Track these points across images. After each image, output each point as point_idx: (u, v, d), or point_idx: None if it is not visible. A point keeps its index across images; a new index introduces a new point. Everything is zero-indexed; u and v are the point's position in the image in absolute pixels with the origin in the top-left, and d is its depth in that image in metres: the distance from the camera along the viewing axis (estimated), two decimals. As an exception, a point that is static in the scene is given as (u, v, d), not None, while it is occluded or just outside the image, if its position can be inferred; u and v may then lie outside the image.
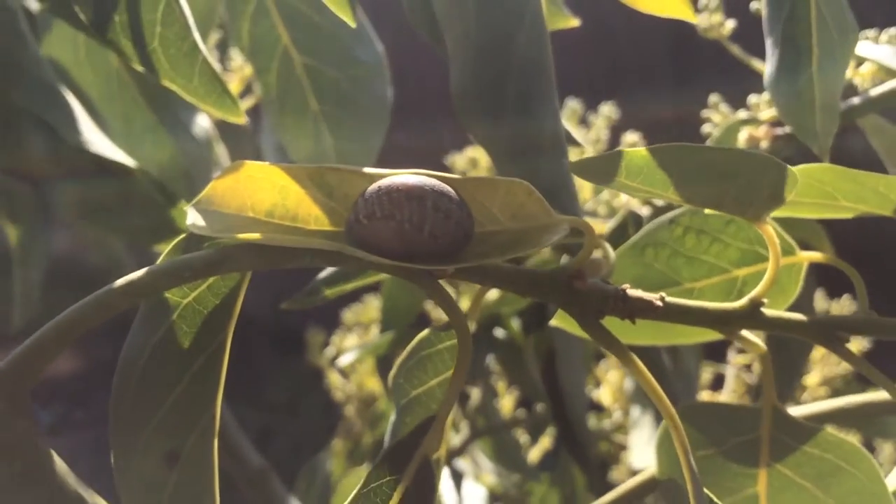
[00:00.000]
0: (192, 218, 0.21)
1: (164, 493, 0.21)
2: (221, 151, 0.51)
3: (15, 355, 0.19)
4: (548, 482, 0.68)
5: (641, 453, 0.56)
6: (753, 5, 0.42)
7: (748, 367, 0.66)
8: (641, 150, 0.19)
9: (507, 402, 0.70)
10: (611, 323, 0.24)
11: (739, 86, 0.45)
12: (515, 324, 0.60)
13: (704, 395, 0.66)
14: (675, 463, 0.31)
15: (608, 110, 0.58)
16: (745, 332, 0.25)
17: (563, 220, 0.21)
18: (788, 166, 0.20)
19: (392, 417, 0.28)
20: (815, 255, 0.28)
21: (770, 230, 0.23)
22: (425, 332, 0.28)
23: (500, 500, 0.69)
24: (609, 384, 0.68)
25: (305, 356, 0.72)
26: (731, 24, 0.46)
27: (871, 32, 0.42)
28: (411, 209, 0.19)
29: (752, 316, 0.24)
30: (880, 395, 0.32)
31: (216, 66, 0.29)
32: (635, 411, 0.61)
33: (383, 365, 0.62)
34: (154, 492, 0.21)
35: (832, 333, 0.24)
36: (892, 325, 0.24)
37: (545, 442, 0.70)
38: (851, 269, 0.26)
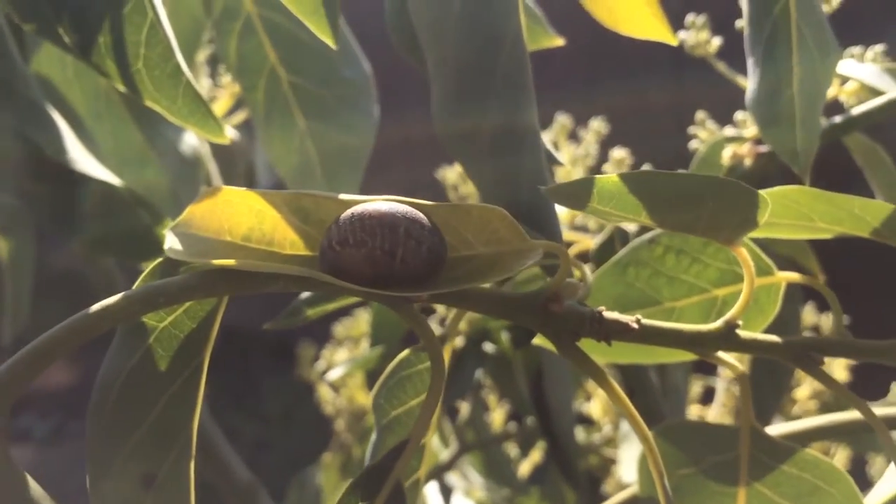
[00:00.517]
0: (170, 241, 0.21)
1: (139, 516, 0.21)
2: (213, 169, 0.52)
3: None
4: (538, 496, 0.68)
5: (631, 467, 0.56)
6: (739, 23, 0.42)
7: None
8: (613, 177, 0.19)
9: (497, 416, 0.70)
10: (590, 342, 0.24)
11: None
12: (505, 337, 0.60)
13: (694, 409, 0.66)
14: (653, 482, 0.31)
15: (598, 125, 0.58)
16: (721, 354, 0.25)
17: (538, 245, 0.21)
18: (759, 192, 0.20)
19: (373, 437, 0.28)
20: (793, 276, 0.28)
21: (744, 252, 0.23)
22: (405, 352, 0.28)
23: (489, 513, 0.69)
24: (599, 398, 0.68)
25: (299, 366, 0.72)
26: (717, 42, 0.46)
27: (855, 50, 0.42)
28: (383, 236, 0.19)
29: (727, 338, 0.24)
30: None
31: (201, 86, 0.29)
32: (625, 425, 0.61)
33: (373, 379, 0.62)
34: (130, 515, 0.21)
35: (806, 355, 0.24)
36: (864, 347, 0.24)
37: (535, 456, 0.71)
38: (827, 290, 0.26)
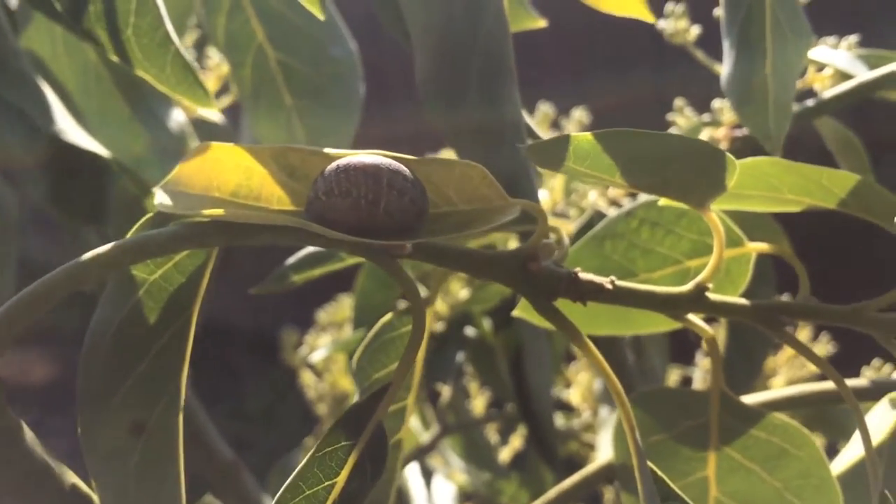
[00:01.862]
0: (160, 198, 0.22)
1: (130, 462, 0.22)
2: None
3: (-17, 326, 0.20)
4: (518, 481, 0.69)
5: (610, 451, 0.57)
6: (717, 11, 0.44)
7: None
8: (587, 135, 0.20)
9: (478, 403, 0.71)
10: (569, 312, 0.25)
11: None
12: (486, 323, 0.61)
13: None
14: (628, 448, 0.32)
15: (580, 115, 0.59)
16: (691, 316, 0.26)
17: (516, 203, 0.22)
18: (726, 153, 0.21)
19: (355, 399, 0.29)
20: (762, 246, 0.29)
21: (714, 217, 0.24)
22: (388, 316, 0.29)
23: (470, 498, 0.70)
24: (579, 385, 0.69)
25: (282, 362, 0.73)
26: (696, 30, 0.47)
27: (830, 39, 0.44)
28: (367, 186, 0.20)
29: (697, 300, 0.25)
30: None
31: (189, 56, 0.30)
32: (604, 411, 0.62)
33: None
34: (120, 461, 0.22)
35: (774, 317, 0.25)
36: (829, 311, 0.25)
37: (516, 442, 0.71)
38: (795, 260, 0.27)
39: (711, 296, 0.25)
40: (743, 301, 0.25)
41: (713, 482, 0.30)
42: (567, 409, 0.69)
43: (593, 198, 0.51)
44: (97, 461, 0.22)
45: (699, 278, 0.25)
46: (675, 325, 0.32)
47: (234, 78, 0.43)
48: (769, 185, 0.27)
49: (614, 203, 0.52)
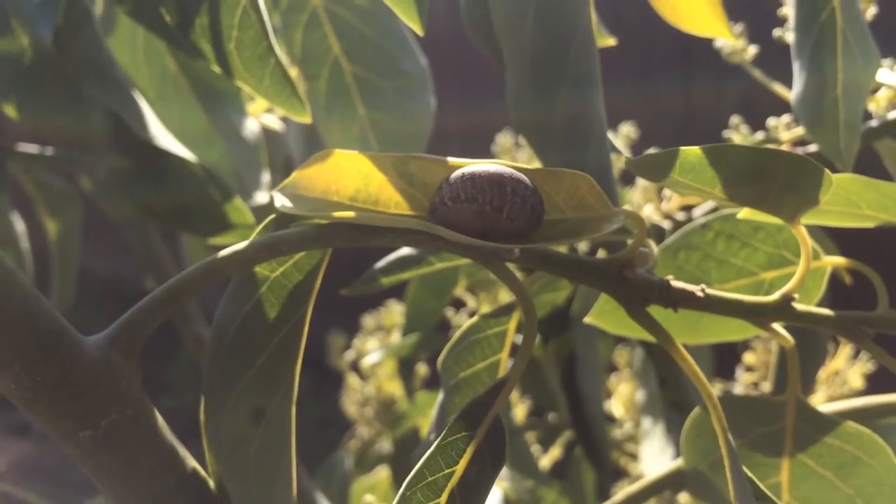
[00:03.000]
0: (280, 201, 0.23)
1: (250, 448, 0.23)
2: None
3: (128, 316, 0.21)
4: (558, 490, 0.70)
5: (653, 462, 0.58)
6: (776, 32, 0.45)
7: (755, 385, 0.68)
8: (696, 149, 0.21)
9: (519, 412, 0.72)
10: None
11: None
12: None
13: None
14: (701, 453, 0.33)
15: (627, 129, 0.60)
16: (775, 325, 0.27)
17: (620, 213, 0.23)
18: (825, 169, 0.22)
19: (440, 397, 0.30)
20: (839, 260, 0.30)
21: (803, 230, 0.25)
22: (475, 318, 0.30)
23: (512, 505, 0.71)
24: (621, 396, 0.70)
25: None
26: (753, 50, 0.48)
27: (886, 61, 0.45)
28: (493, 193, 0.21)
29: (783, 309, 0.26)
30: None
31: (287, 69, 0.31)
32: (646, 422, 0.63)
33: (406, 367, 0.64)
34: (241, 446, 0.23)
35: (857, 328, 0.26)
36: (911, 323, 0.26)
37: (555, 452, 0.72)
38: (872, 272, 0.28)
39: (797, 306, 0.26)
40: (827, 311, 0.26)
41: (785, 488, 0.30)
42: (609, 420, 0.70)
43: (648, 211, 0.52)
44: (220, 447, 0.23)
45: (786, 288, 0.26)
46: (749, 333, 0.33)
47: (308, 90, 0.44)
48: (848, 201, 0.28)
49: (668, 217, 0.53)
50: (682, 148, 0.21)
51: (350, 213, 0.22)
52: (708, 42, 0.48)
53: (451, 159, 0.22)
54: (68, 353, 0.20)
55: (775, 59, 0.44)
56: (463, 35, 0.34)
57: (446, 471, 0.20)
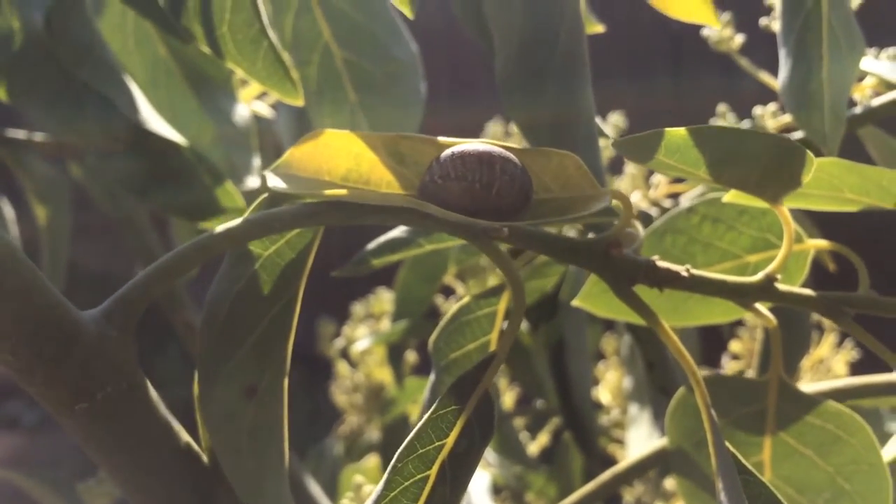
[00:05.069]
0: (273, 181, 0.24)
1: (243, 423, 0.23)
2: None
3: (123, 291, 0.22)
4: (546, 475, 0.70)
5: (640, 447, 0.59)
6: (763, 21, 0.45)
7: (741, 373, 0.69)
8: (681, 130, 0.22)
9: (508, 399, 0.72)
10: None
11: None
12: (522, 323, 0.63)
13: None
14: (685, 432, 0.33)
15: (616, 119, 0.61)
16: (758, 306, 0.27)
17: (607, 192, 0.23)
18: (806, 149, 0.23)
19: (431, 377, 0.31)
20: (822, 243, 0.30)
21: (786, 212, 0.26)
22: (466, 299, 0.31)
23: (501, 490, 0.71)
24: (608, 383, 0.70)
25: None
26: (739, 39, 0.49)
27: (871, 50, 0.45)
28: (482, 171, 0.21)
29: (766, 289, 0.26)
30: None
31: (280, 51, 0.32)
32: (633, 409, 0.64)
33: (395, 353, 0.64)
34: (234, 421, 0.23)
35: (838, 308, 0.26)
36: (890, 304, 0.26)
37: (543, 438, 0.73)
38: (854, 255, 0.29)
39: (780, 286, 0.26)
40: (809, 292, 0.27)
41: (768, 466, 0.31)
42: (596, 406, 0.71)
43: (636, 198, 0.53)
44: (213, 421, 0.23)
45: (769, 269, 0.26)
46: (733, 315, 0.34)
47: (298, 75, 0.45)
48: (831, 184, 0.28)
49: (655, 204, 0.53)
50: (668, 129, 0.22)
51: (343, 191, 0.22)
52: (697, 34, 0.48)
53: (441, 138, 0.23)
54: (65, 326, 0.20)
55: (764, 53, 0.44)
56: (455, 27, 0.34)
57: (437, 443, 0.21)
